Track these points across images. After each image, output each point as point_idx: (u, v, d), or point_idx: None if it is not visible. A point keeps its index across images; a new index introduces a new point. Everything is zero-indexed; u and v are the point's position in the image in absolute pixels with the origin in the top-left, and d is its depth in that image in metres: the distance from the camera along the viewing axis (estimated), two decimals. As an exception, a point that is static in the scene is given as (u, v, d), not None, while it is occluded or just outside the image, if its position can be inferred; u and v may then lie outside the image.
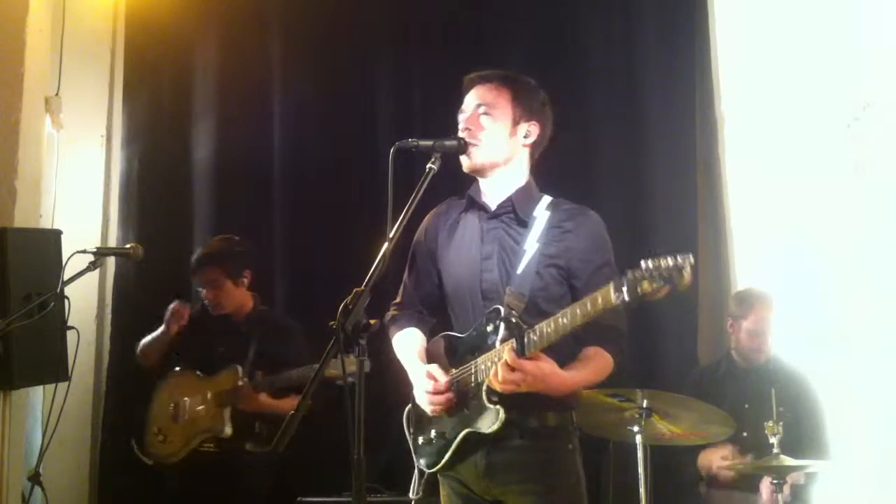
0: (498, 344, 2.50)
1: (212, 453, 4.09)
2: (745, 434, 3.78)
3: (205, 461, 4.08)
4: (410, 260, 2.90)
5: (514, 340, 2.43)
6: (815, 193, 3.89)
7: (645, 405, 3.50)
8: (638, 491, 3.47)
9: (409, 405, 2.79)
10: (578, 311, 2.30)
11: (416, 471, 2.73)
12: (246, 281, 4.28)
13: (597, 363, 2.57)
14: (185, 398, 4.21)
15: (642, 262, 2.11)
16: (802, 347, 4.00)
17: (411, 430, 2.77)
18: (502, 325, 2.50)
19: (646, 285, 2.09)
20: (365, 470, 2.13)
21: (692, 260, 2.07)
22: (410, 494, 2.70)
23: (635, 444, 3.51)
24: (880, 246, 3.32)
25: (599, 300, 2.23)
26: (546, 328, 2.38)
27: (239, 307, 4.28)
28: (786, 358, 4.02)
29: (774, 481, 3.54)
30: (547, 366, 2.43)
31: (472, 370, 2.58)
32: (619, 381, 3.49)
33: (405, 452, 2.82)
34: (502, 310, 2.53)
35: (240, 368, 4.05)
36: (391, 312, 2.89)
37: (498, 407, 2.48)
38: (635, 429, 3.51)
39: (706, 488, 3.99)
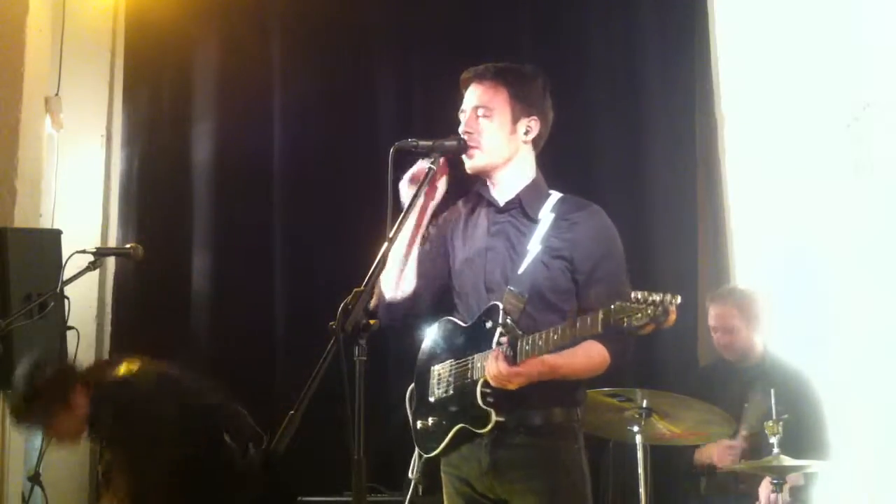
0: (493, 346, 2.52)
1: None
2: (742, 433, 3.78)
3: None
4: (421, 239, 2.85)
5: (508, 347, 2.46)
6: (815, 193, 3.89)
7: (645, 405, 3.49)
8: (638, 491, 3.47)
9: (412, 384, 2.80)
10: (568, 330, 2.37)
11: (415, 452, 2.74)
12: None
13: (587, 355, 2.56)
14: None
15: (632, 295, 2.17)
16: (802, 347, 3.99)
17: (412, 411, 2.79)
18: (499, 328, 2.53)
19: (634, 321, 2.16)
20: (365, 470, 2.13)
21: (678, 300, 2.14)
22: (409, 475, 2.71)
23: (635, 444, 3.51)
24: (880, 246, 3.32)
25: (588, 323, 2.31)
26: (538, 340, 2.42)
27: None
28: (783, 356, 4.01)
29: (774, 481, 3.53)
30: (536, 364, 2.46)
31: (469, 366, 2.60)
32: (620, 381, 3.49)
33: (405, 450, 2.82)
34: (500, 307, 2.55)
35: None
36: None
37: (490, 410, 2.50)
38: (635, 429, 3.51)
39: (705, 485, 3.98)
